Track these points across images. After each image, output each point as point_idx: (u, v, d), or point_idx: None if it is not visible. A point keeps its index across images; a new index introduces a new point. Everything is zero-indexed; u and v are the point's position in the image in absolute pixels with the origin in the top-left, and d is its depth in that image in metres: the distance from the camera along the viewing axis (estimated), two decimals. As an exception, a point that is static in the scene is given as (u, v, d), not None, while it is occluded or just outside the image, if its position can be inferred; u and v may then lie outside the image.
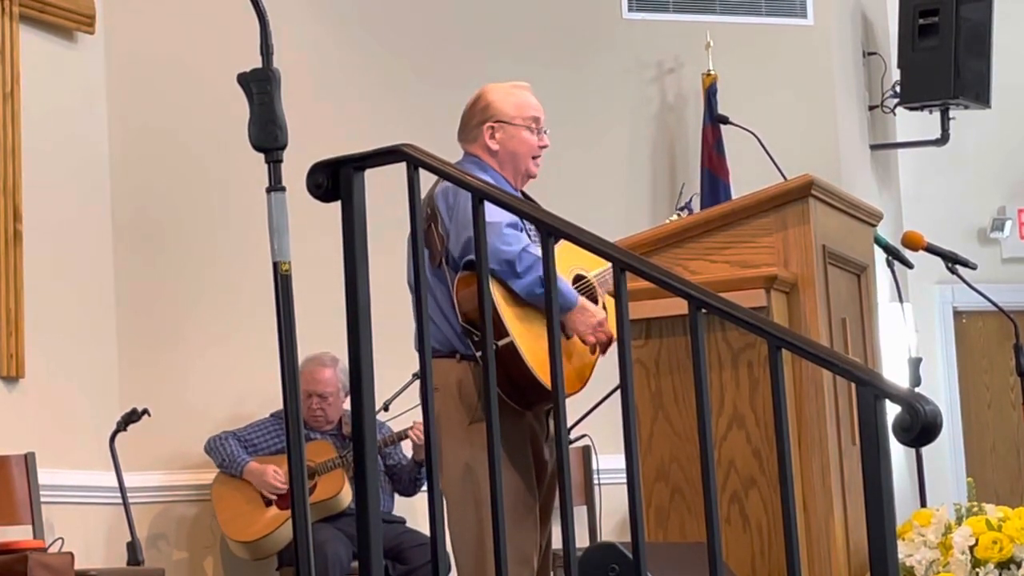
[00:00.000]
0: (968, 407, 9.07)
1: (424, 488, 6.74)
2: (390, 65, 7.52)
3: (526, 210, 3.10)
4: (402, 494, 6.93)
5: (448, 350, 4.50)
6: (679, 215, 5.89)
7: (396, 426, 6.72)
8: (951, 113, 8.54)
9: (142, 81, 7.13)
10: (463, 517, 4.47)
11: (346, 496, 6.64)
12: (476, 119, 4.69)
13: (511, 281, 4.38)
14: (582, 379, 4.57)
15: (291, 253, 2.91)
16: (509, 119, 4.66)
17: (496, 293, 4.36)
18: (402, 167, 3.03)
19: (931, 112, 8.56)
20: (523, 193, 4.68)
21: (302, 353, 3.01)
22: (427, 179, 3.19)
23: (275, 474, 6.67)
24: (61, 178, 6.76)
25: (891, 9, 8.73)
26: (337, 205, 3.03)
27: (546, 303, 2.99)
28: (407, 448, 6.84)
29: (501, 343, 4.33)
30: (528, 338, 4.37)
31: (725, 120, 7.70)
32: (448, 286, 4.47)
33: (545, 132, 4.73)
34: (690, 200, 7.51)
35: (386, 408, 6.42)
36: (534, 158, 4.69)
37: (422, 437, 6.44)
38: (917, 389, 4.50)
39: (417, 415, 6.32)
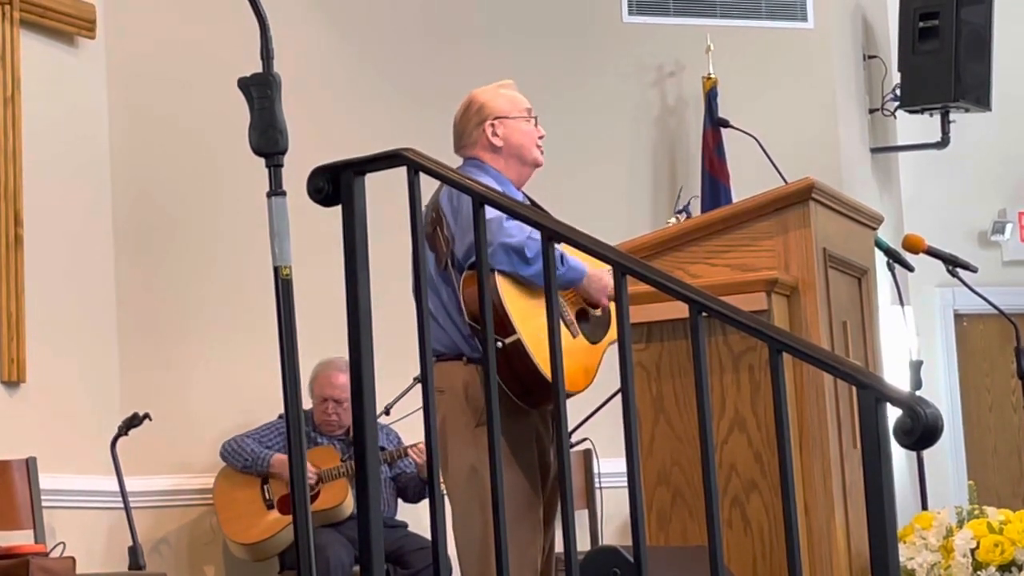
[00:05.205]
0: (969, 410, 9.07)
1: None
2: (390, 69, 7.52)
3: (525, 213, 3.10)
4: (407, 501, 6.91)
5: (454, 353, 4.50)
6: (677, 218, 5.89)
7: (399, 428, 6.71)
8: (951, 116, 8.54)
9: (142, 86, 7.13)
10: (469, 519, 4.46)
11: (348, 506, 6.62)
12: (473, 121, 4.70)
13: (523, 269, 4.36)
14: (589, 375, 4.56)
15: (292, 257, 2.91)
16: (507, 113, 4.68)
17: (502, 290, 4.35)
18: (403, 171, 3.03)
19: (931, 115, 8.56)
20: (531, 200, 4.67)
21: (305, 357, 3.00)
22: (431, 183, 3.19)
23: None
24: (62, 182, 6.77)
25: (891, 12, 8.73)
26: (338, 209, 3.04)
27: (547, 305, 2.99)
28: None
29: (508, 340, 4.32)
30: (535, 335, 4.36)
31: (726, 123, 7.70)
32: (454, 288, 4.46)
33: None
34: (688, 203, 7.51)
35: (387, 412, 6.41)
36: (538, 147, 4.71)
37: (423, 456, 6.51)
38: (918, 392, 4.52)
39: (419, 418, 6.30)
